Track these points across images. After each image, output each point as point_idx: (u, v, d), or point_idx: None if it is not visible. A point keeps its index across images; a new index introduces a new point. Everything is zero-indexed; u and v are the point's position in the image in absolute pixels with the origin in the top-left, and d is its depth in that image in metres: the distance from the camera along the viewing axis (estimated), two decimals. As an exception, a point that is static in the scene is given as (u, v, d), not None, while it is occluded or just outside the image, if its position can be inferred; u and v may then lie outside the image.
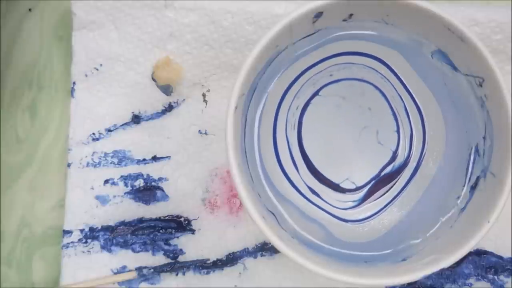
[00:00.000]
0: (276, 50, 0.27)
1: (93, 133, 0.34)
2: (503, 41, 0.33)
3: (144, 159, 0.34)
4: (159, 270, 0.33)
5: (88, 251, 0.33)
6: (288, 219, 0.29)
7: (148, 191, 0.34)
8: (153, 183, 0.34)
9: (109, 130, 0.34)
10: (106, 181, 0.34)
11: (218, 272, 0.33)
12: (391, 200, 0.30)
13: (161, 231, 0.33)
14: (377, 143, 0.31)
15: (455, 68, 0.28)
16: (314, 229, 0.30)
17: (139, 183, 0.34)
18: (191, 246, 0.33)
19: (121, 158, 0.34)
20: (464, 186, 0.29)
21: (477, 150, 0.29)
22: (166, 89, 0.34)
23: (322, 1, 0.25)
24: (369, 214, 0.30)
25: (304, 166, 0.30)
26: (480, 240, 0.25)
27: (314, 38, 0.28)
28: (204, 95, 0.34)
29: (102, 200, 0.33)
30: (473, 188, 0.28)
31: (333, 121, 0.31)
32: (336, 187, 0.30)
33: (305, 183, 0.30)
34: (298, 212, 0.30)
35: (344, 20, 0.27)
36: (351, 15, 0.27)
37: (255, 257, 0.33)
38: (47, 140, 0.35)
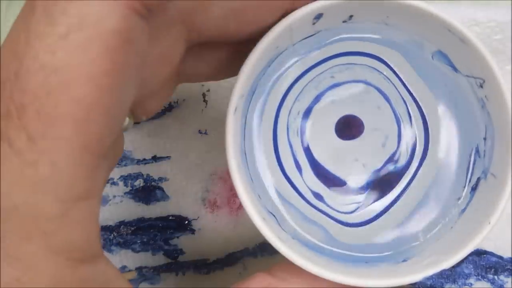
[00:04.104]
0: (276, 51, 0.27)
1: (93, 134, 0.34)
2: (503, 41, 0.33)
3: (144, 159, 0.34)
4: (159, 270, 0.33)
5: (88, 252, 0.33)
6: (289, 220, 0.29)
7: (148, 191, 0.34)
8: (153, 183, 0.34)
9: (109, 130, 0.34)
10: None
11: (218, 272, 0.33)
12: (393, 202, 0.30)
13: (161, 231, 0.33)
14: (379, 146, 0.31)
15: (455, 69, 0.28)
16: (315, 230, 0.30)
17: (139, 183, 0.34)
18: (191, 246, 0.33)
19: (121, 158, 0.34)
20: (464, 187, 0.29)
21: (477, 151, 0.29)
22: (166, 89, 0.34)
23: (322, 2, 0.25)
24: (370, 216, 0.30)
25: (310, 169, 0.30)
26: (481, 241, 0.25)
27: (314, 39, 0.28)
28: (204, 95, 0.34)
29: (102, 200, 0.33)
30: (474, 189, 0.28)
31: (336, 126, 0.31)
32: (341, 185, 0.30)
33: (308, 186, 0.30)
34: (298, 214, 0.30)
35: (344, 22, 0.27)
36: (351, 16, 0.27)
37: (255, 257, 0.33)
38: (47, 141, 0.35)
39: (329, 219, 0.30)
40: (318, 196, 0.30)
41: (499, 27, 0.32)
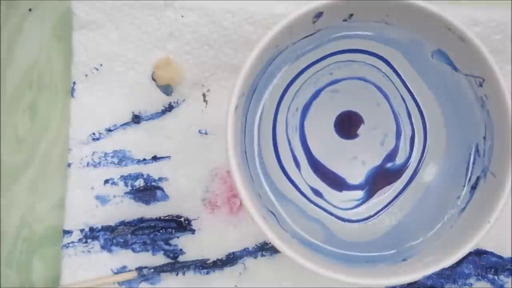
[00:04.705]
0: (277, 50, 0.27)
1: (93, 133, 0.34)
2: (503, 41, 0.33)
3: (144, 159, 0.34)
4: (159, 270, 0.33)
5: (88, 251, 0.33)
6: (288, 219, 0.29)
7: (148, 191, 0.34)
8: (153, 183, 0.34)
9: (109, 130, 0.34)
10: (106, 181, 0.34)
11: (218, 272, 0.33)
12: (392, 200, 0.30)
13: (161, 231, 0.33)
14: (378, 143, 0.31)
15: (455, 68, 0.28)
16: (315, 228, 0.30)
17: (139, 183, 0.34)
18: (191, 246, 0.33)
19: (121, 158, 0.34)
20: (464, 186, 0.29)
21: (477, 150, 0.29)
22: (166, 89, 0.34)
23: (322, 1, 0.25)
24: (370, 213, 0.30)
25: (308, 166, 0.30)
26: (480, 240, 0.25)
27: (314, 38, 0.28)
28: (204, 95, 0.34)
29: (102, 200, 0.33)
30: (473, 188, 0.28)
31: (335, 122, 0.31)
32: (340, 182, 0.31)
33: (307, 183, 0.30)
34: (299, 211, 0.30)
35: (344, 20, 0.27)
36: (351, 15, 0.27)
37: (255, 257, 0.33)
38: (47, 140, 0.34)
39: (328, 215, 0.30)
40: (317, 193, 0.30)
41: (499, 27, 0.32)
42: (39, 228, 0.34)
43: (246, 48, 0.33)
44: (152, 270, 0.33)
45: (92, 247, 0.33)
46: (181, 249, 0.33)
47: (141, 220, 0.34)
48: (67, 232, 0.33)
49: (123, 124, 0.34)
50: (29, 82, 0.35)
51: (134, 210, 0.34)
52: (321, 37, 0.29)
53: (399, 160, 0.31)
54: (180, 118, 0.34)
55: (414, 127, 0.31)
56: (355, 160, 0.31)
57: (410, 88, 0.30)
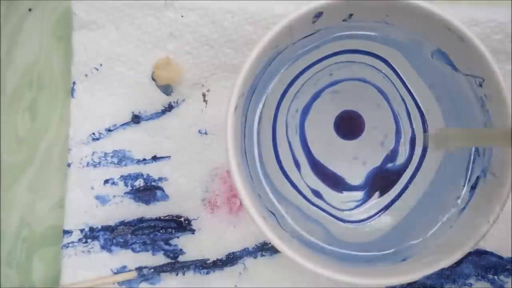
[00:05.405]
0: (276, 50, 0.27)
1: (93, 133, 0.34)
2: (503, 41, 0.33)
3: (144, 159, 0.34)
4: (159, 270, 0.33)
5: (88, 251, 0.33)
6: (288, 219, 0.29)
7: (148, 191, 0.34)
8: (153, 183, 0.34)
9: (109, 130, 0.34)
10: (106, 181, 0.34)
11: (218, 272, 0.33)
12: (392, 201, 0.30)
13: (161, 231, 0.33)
14: (378, 144, 0.31)
15: (455, 68, 0.28)
16: (314, 229, 0.30)
17: (139, 183, 0.34)
18: (191, 246, 0.33)
19: (121, 158, 0.34)
20: (464, 186, 0.29)
21: (477, 150, 0.29)
22: (166, 89, 0.34)
23: (322, 1, 0.25)
24: (369, 214, 0.30)
25: (308, 167, 0.30)
26: (480, 240, 0.25)
27: (314, 38, 0.28)
28: (204, 95, 0.34)
29: (102, 200, 0.33)
30: (473, 188, 0.28)
31: (335, 123, 0.31)
32: (340, 183, 0.30)
33: (307, 184, 0.30)
34: (298, 212, 0.30)
35: (344, 20, 0.27)
36: (351, 15, 0.27)
37: (255, 257, 0.33)
38: (47, 140, 0.35)
39: (328, 216, 0.30)
40: (317, 194, 0.30)
41: (499, 27, 0.32)
42: (39, 228, 0.34)
43: (246, 48, 0.33)
44: (152, 270, 0.33)
45: (92, 247, 0.33)
46: (181, 249, 0.33)
47: (141, 220, 0.34)
48: (67, 232, 0.33)
49: (123, 124, 0.34)
50: (29, 82, 0.35)
51: (134, 210, 0.34)
52: (321, 37, 0.29)
53: (399, 160, 0.31)
54: (180, 118, 0.34)
55: (414, 127, 0.31)
56: (355, 161, 0.31)
57: (410, 88, 0.30)
